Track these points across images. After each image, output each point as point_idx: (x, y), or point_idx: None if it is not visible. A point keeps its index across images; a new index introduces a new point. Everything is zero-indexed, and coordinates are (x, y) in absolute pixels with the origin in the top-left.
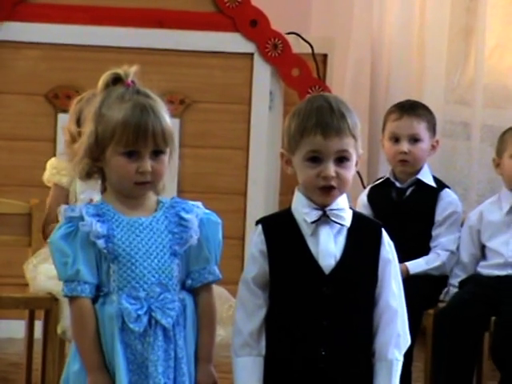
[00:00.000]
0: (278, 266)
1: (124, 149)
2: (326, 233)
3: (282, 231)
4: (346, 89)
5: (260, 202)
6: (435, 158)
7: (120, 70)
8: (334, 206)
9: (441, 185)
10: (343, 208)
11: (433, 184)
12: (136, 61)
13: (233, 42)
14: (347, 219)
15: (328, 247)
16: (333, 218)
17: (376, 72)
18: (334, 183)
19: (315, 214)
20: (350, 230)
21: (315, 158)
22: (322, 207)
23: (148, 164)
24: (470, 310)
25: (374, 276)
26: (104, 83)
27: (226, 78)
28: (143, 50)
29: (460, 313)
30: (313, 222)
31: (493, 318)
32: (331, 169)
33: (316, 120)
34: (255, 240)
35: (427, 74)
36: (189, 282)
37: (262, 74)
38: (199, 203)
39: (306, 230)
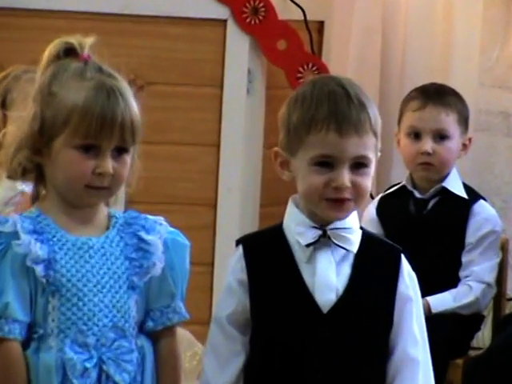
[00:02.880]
0: (262, 300)
1: (81, 141)
2: (325, 259)
3: (268, 255)
4: (348, 67)
5: (235, 215)
6: (466, 160)
7: (73, 40)
8: (337, 223)
9: (474, 195)
10: (350, 227)
11: (463, 194)
12: (72, 29)
13: (200, 5)
14: (355, 242)
15: (328, 278)
16: (335, 241)
17: (388, 45)
18: (348, 195)
19: (312, 235)
20: (358, 257)
21: (325, 163)
22: (323, 226)
23: (109, 163)
24: None
25: (389, 317)
26: (53, 54)
27: (190, 53)
28: (81, 14)
29: (500, 363)
30: (309, 245)
31: None
32: (346, 177)
33: (328, 110)
34: (233, 266)
35: (455, 48)
36: (149, 324)
37: (238, 48)
38: (161, 219)
39: (300, 255)
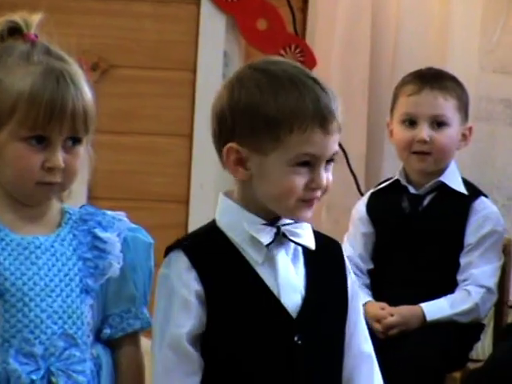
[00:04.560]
0: (222, 312)
1: (29, 132)
2: (284, 259)
3: (218, 260)
4: (334, 49)
5: (208, 213)
6: (465, 152)
7: (18, 18)
8: (286, 220)
9: (474, 191)
10: (300, 222)
11: (462, 190)
12: (32, 6)
13: None
14: (310, 238)
15: (290, 279)
16: (292, 238)
17: (379, 26)
18: (320, 194)
19: (268, 233)
20: (307, 253)
21: (305, 162)
22: (273, 223)
23: (59, 156)
24: None
25: (346, 314)
26: None
27: (160, 33)
28: None
29: (503, 377)
30: (268, 245)
31: None
32: (324, 177)
33: (313, 106)
34: (184, 277)
35: (454, 29)
36: (106, 331)
37: (214, 27)
38: (122, 214)
39: (253, 256)
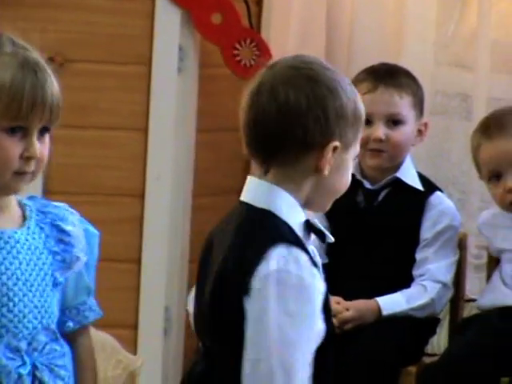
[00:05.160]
0: None
1: (10, 123)
2: None
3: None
4: (290, 43)
5: (164, 207)
6: (421, 146)
7: None
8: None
9: (430, 186)
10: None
11: (418, 186)
12: None
13: None
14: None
15: None
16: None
17: (334, 20)
18: None
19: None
20: None
21: None
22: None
23: (37, 146)
24: (472, 367)
25: None
26: None
27: (115, 27)
28: None
29: (458, 372)
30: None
31: (504, 379)
32: None
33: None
34: (317, 276)
35: (409, 23)
36: (69, 324)
37: (168, 21)
38: (66, 206)
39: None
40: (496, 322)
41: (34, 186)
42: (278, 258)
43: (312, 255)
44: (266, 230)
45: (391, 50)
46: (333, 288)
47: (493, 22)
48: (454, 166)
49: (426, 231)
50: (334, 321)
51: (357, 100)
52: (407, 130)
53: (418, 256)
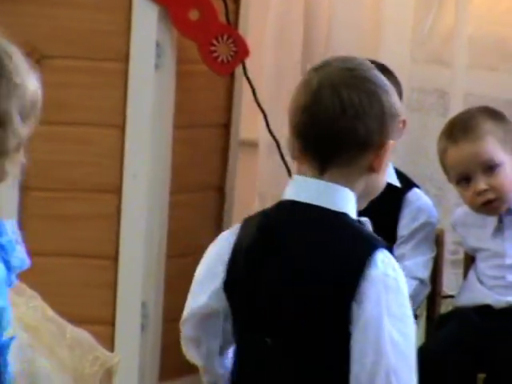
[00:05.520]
0: None
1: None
2: None
3: None
4: (267, 40)
5: (141, 203)
6: (399, 142)
7: None
8: None
9: (407, 183)
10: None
11: (395, 182)
12: None
13: None
14: None
15: None
16: None
17: (312, 17)
18: None
19: None
20: None
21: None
22: None
23: None
24: (450, 362)
25: None
26: None
27: (92, 23)
28: None
29: (434, 370)
30: None
31: (481, 375)
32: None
33: None
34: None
35: (386, 20)
36: None
37: (146, 17)
38: None
39: None
40: (474, 318)
41: (11, 183)
42: (380, 262)
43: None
44: (362, 235)
45: (368, 47)
46: None
47: (470, 19)
48: (431, 162)
49: (404, 228)
50: None
51: (398, 99)
52: None
53: (396, 253)
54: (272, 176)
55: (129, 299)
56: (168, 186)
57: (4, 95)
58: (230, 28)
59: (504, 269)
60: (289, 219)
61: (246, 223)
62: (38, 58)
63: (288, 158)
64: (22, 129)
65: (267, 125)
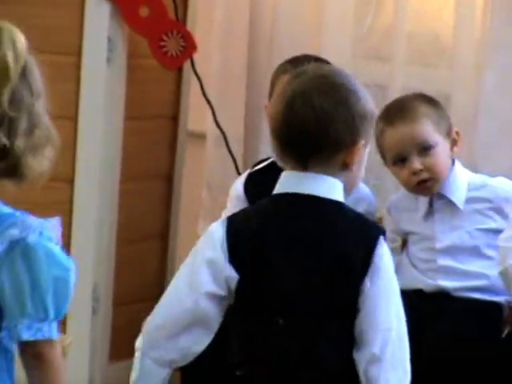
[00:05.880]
0: None
1: None
2: None
3: None
4: (214, 36)
5: (93, 192)
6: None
7: None
8: None
9: None
10: None
11: None
12: None
13: None
14: None
15: None
16: None
17: (257, 12)
18: None
19: None
20: None
21: None
22: None
23: None
24: None
25: None
26: None
27: (45, 18)
28: None
29: None
30: None
31: None
32: None
33: None
34: None
35: (328, 17)
36: None
37: (98, 13)
38: None
39: None
40: (414, 300)
41: None
42: (384, 242)
43: None
44: (366, 219)
45: (311, 43)
46: None
47: (408, 16)
48: (369, 154)
49: None
50: None
51: (370, 100)
52: None
53: None
54: (219, 167)
55: (80, 283)
56: (118, 176)
57: None
58: (179, 24)
59: (434, 252)
60: (292, 209)
61: (239, 216)
62: None
63: (234, 150)
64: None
65: (214, 118)
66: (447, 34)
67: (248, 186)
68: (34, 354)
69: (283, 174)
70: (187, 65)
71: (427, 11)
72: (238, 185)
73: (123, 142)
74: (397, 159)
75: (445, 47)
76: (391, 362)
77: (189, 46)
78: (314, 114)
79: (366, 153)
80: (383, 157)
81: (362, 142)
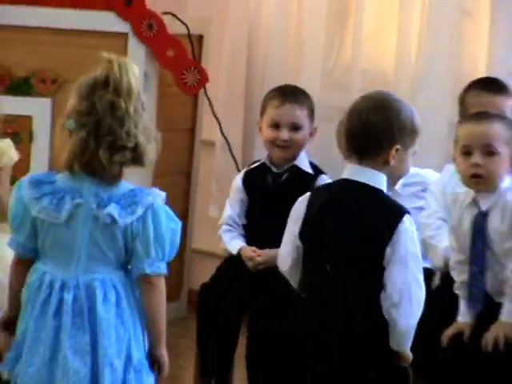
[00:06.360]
0: None
1: None
2: None
3: None
4: (222, 70)
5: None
6: (313, 144)
7: None
8: None
9: (317, 171)
10: None
11: (309, 170)
12: (9, 38)
13: (107, 21)
14: None
15: None
16: None
17: (253, 54)
18: None
19: None
20: None
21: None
22: None
23: None
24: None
25: None
26: None
27: (99, 58)
28: (17, 27)
29: None
30: None
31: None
32: None
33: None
34: None
35: (304, 57)
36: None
37: (137, 55)
38: None
39: None
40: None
41: None
42: (407, 220)
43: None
44: (395, 202)
45: (292, 77)
46: (250, 241)
47: (362, 57)
48: (336, 157)
49: None
50: (250, 263)
51: (413, 117)
52: (304, 133)
53: None
54: (224, 166)
55: None
56: (152, 172)
57: None
58: (196, 62)
59: None
60: (346, 190)
61: (315, 192)
62: (61, 82)
63: (235, 154)
64: None
65: (221, 130)
66: (390, 70)
67: (245, 180)
68: (150, 282)
69: (347, 166)
70: (201, 91)
71: (376, 53)
72: (238, 179)
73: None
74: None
75: (388, 80)
76: (404, 308)
77: (203, 78)
78: (362, 126)
79: (407, 154)
80: (340, 146)
81: (397, 146)
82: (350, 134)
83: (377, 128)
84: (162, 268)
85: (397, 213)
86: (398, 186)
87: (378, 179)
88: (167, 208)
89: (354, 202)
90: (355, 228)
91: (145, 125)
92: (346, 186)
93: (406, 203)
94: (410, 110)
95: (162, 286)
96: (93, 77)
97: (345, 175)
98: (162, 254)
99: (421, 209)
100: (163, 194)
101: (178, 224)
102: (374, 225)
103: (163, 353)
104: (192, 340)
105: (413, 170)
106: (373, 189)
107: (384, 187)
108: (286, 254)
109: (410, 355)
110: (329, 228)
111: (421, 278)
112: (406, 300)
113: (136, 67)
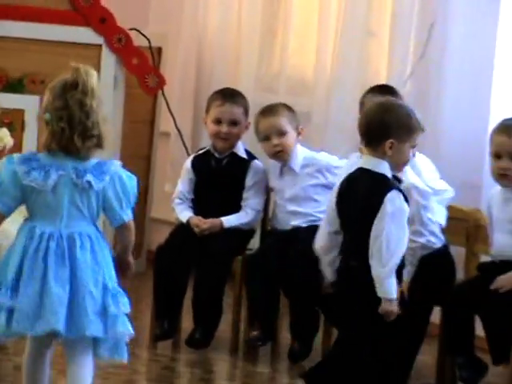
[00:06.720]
0: None
1: None
2: None
3: None
4: (176, 76)
5: None
6: (248, 134)
7: None
8: None
9: (251, 156)
10: None
11: (245, 156)
12: (6, 47)
13: (85, 35)
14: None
15: None
16: None
17: (201, 63)
18: None
19: None
20: None
21: None
22: None
23: None
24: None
25: None
26: None
27: (69, 66)
28: (13, 38)
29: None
30: None
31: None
32: None
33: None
34: None
35: (241, 66)
36: None
37: (109, 62)
38: None
39: None
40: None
41: None
42: (395, 193)
43: (404, 194)
44: (389, 181)
45: (232, 82)
46: (197, 212)
47: (288, 64)
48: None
49: (248, 181)
50: (196, 230)
51: (411, 117)
52: (241, 127)
53: (244, 195)
54: (178, 152)
55: None
56: (119, 156)
57: None
58: (156, 69)
59: (284, 201)
60: (359, 176)
61: (343, 179)
62: (48, 83)
63: (186, 142)
64: None
65: (175, 123)
66: (310, 78)
67: (193, 163)
68: (126, 227)
69: (363, 156)
70: (160, 92)
71: (299, 64)
72: (188, 163)
73: (122, 135)
74: (263, 138)
75: (308, 86)
76: (376, 258)
77: (161, 82)
78: (365, 123)
79: (405, 147)
80: (258, 135)
81: (391, 140)
82: (359, 130)
83: (373, 125)
84: (130, 214)
85: (387, 188)
86: (297, 168)
87: (381, 166)
88: (125, 170)
89: (362, 185)
90: (362, 202)
91: (103, 116)
92: (358, 173)
93: (304, 181)
94: (408, 111)
95: (132, 225)
96: (64, 79)
97: (360, 164)
98: (130, 203)
99: (315, 186)
100: (120, 162)
101: (134, 179)
102: (373, 199)
103: (129, 259)
104: (149, 290)
105: (309, 153)
106: (376, 174)
107: (388, 172)
108: (322, 229)
109: (390, 307)
110: (344, 203)
111: (400, 234)
112: (377, 250)
113: (96, 73)
